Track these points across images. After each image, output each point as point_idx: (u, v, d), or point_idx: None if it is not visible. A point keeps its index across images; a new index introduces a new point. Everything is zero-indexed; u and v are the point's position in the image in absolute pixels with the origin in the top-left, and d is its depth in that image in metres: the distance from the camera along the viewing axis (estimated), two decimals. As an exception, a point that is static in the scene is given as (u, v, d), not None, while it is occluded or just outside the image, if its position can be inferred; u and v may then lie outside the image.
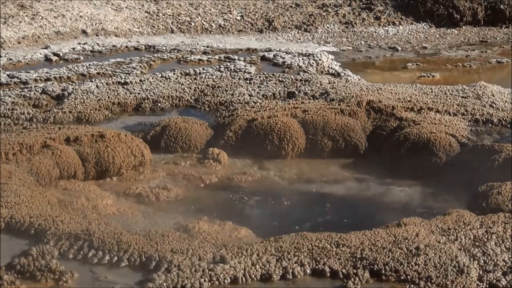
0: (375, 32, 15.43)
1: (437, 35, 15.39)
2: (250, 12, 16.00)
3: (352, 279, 5.09)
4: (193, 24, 15.31)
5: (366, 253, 5.29)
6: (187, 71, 11.05)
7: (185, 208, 6.96)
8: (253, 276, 5.10)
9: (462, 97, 9.71)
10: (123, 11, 15.51)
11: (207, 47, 13.50)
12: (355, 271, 5.15)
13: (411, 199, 7.37)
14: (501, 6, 15.95)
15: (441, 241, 5.51)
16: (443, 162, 7.92)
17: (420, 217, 6.14)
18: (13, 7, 14.75)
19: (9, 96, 9.69)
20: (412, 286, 5.05)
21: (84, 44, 13.57)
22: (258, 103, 9.38)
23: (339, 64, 12.22)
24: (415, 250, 5.35)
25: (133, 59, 12.05)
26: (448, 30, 15.65)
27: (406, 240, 5.48)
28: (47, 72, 11.13)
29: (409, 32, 15.46)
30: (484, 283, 5.10)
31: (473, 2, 15.98)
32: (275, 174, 7.94)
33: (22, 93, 9.84)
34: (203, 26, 15.29)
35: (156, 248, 5.35)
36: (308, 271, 5.18)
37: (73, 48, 13.19)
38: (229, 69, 11.34)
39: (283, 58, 12.34)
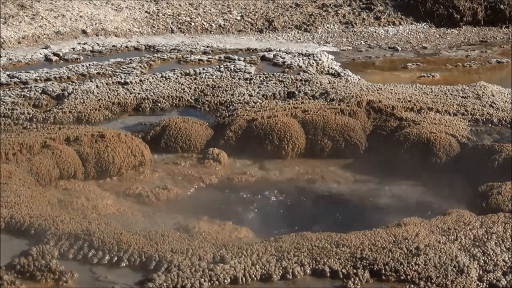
0: (375, 32, 15.43)
1: (437, 35, 15.39)
2: (250, 12, 16.00)
3: (352, 279, 5.09)
4: (193, 24, 15.31)
5: (366, 253, 5.29)
6: (187, 71, 11.05)
7: (185, 208, 6.95)
8: (253, 276, 5.10)
9: (462, 97, 9.71)
10: (123, 11, 15.51)
11: (207, 47, 13.50)
12: (355, 271, 5.16)
13: (411, 199, 7.36)
14: (501, 6, 15.95)
15: (441, 241, 5.51)
16: (443, 162, 7.92)
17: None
18: (13, 7, 14.76)
19: (9, 96, 9.69)
20: (412, 286, 5.05)
21: (84, 44, 13.57)
22: (258, 103, 9.38)
23: (339, 64, 12.22)
24: (415, 250, 5.35)
25: (133, 59, 12.05)
26: (448, 30, 15.65)
27: (406, 240, 5.48)
28: (47, 72, 11.13)
29: (409, 32, 15.46)
30: (484, 283, 5.10)
31: (473, 2, 15.98)
32: (275, 174, 7.94)
33: (22, 93, 9.84)
34: (203, 26, 15.29)
35: (156, 248, 5.35)
36: (308, 271, 5.19)
37: (73, 48, 13.19)
38: (229, 69, 11.35)
39: (283, 58, 12.34)
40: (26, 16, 14.55)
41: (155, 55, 12.58)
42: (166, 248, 5.34)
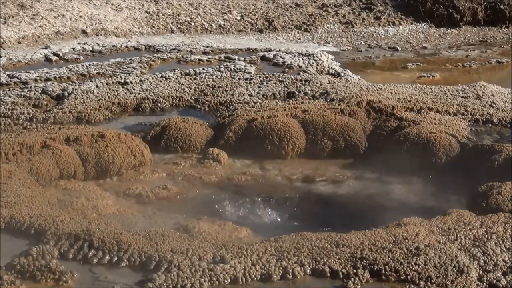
0: (375, 32, 15.43)
1: (437, 35, 15.39)
2: (250, 12, 16.00)
3: (352, 279, 5.09)
4: (193, 24, 15.31)
5: (366, 253, 5.29)
6: (187, 71, 11.04)
7: (185, 208, 6.95)
8: (253, 276, 5.10)
9: (462, 97, 9.71)
10: (123, 11, 15.51)
11: (207, 47, 13.50)
12: (355, 271, 5.15)
13: (411, 199, 7.37)
14: (501, 6, 15.95)
15: (441, 241, 5.51)
16: (443, 162, 7.92)
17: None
18: (13, 7, 14.76)
19: (9, 96, 9.69)
20: (412, 286, 5.05)
21: (84, 44, 13.57)
22: (258, 103, 9.38)
23: (339, 64, 12.22)
24: (415, 250, 5.35)
25: (133, 59, 12.05)
26: (448, 30, 15.65)
27: (406, 240, 5.48)
28: (47, 72, 11.13)
29: (409, 32, 15.46)
30: (484, 283, 5.10)
31: (473, 2, 15.98)
32: (275, 174, 7.95)
33: (22, 93, 9.84)
34: (203, 26, 15.29)
35: (156, 248, 5.35)
36: (308, 271, 5.18)
37: (73, 48, 13.19)
38: (229, 69, 11.34)
39: (283, 58, 12.34)
40: (26, 16, 14.55)
41: (155, 55, 12.58)
42: (166, 248, 5.34)
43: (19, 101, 9.50)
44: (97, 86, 10.17)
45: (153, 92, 9.95)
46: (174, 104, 9.69)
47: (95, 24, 14.68)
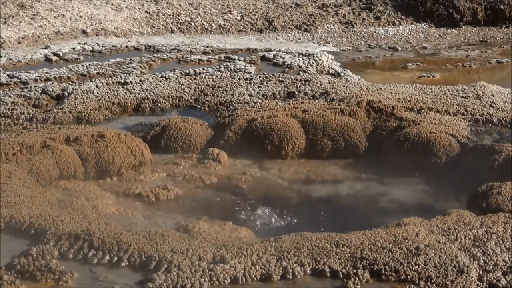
0: (375, 32, 15.43)
1: (437, 35, 15.39)
2: (250, 12, 16.00)
3: (352, 279, 5.09)
4: (193, 24, 15.31)
5: (366, 253, 5.29)
6: (187, 71, 11.04)
7: (185, 208, 6.96)
8: (253, 276, 5.10)
9: (462, 97, 9.71)
10: (123, 11, 15.51)
11: (207, 47, 13.50)
12: (355, 271, 5.15)
13: (411, 199, 7.37)
14: (501, 6, 15.95)
15: (441, 241, 5.51)
16: (443, 162, 7.92)
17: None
18: (13, 7, 14.76)
19: (9, 96, 9.69)
20: (412, 286, 5.05)
21: (84, 44, 13.57)
22: (258, 103, 9.38)
23: (339, 64, 12.22)
24: (415, 250, 5.35)
25: (133, 59, 12.05)
26: (448, 30, 15.65)
27: (406, 240, 5.48)
28: (47, 72, 11.13)
29: (409, 32, 15.46)
30: (484, 283, 5.10)
31: (473, 2, 15.98)
32: (275, 174, 7.95)
33: (22, 93, 9.84)
34: (203, 26, 15.29)
35: (156, 248, 5.35)
36: (308, 271, 5.18)
37: (73, 48, 13.19)
38: (229, 69, 11.34)
39: (283, 58, 12.34)
40: (26, 16, 14.56)
41: (155, 55, 12.58)
42: (166, 248, 5.34)
43: (19, 101, 9.49)
44: (97, 86, 10.16)
45: (153, 92, 9.95)
46: (174, 104, 9.69)
47: (95, 24, 14.68)
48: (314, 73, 11.24)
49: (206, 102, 9.64)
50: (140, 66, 11.55)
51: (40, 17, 14.61)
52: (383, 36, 15.20)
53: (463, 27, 15.81)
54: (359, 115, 8.72)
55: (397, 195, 7.46)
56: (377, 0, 16.48)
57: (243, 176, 7.75)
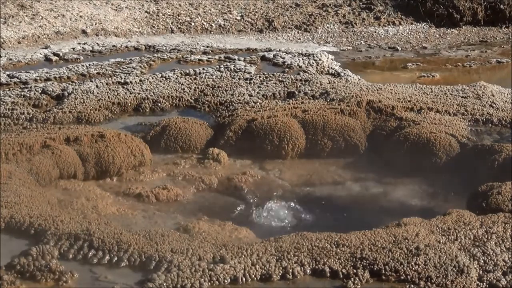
0: (375, 32, 15.43)
1: (437, 35, 15.39)
2: (250, 12, 16.00)
3: (352, 279, 5.09)
4: (193, 24, 15.31)
5: (366, 253, 5.29)
6: (187, 71, 11.04)
7: (185, 208, 6.96)
8: (253, 276, 5.10)
9: (462, 97, 9.71)
10: (123, 11, 15.51)
11: (207, 47, 13.50)
12: (355, 271, 5.15)
13: (411, 199, 7.37)
14: (501, 6, 15.95)
15: (441, 241, 5.51)
16: (443, 162, 7.92)
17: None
18: (13, 7, 14.76)
19: (9, 96, 9.69)
20: (412, 286, 5.05)
21: (84, 44, 13.57)
22: (258, 103, 9.38)
23: (339, 64, 12.22)
24: (415, 250, 5.35)
25: (133, 59, 12.05)
26: (448, 30, 15.65)
27: (406, 240, 5.48)
28: (47, 72, 11.13)
29: (409, 32, 15.46)
30: (484, 283, 5.10)
31: (473, 2, 15.98)
32: (275, 174, 7.94)
33: (22, 93, 9.84)
34: (203, 26, 15.29)
35: (156, 248, 5.35)
36: (308, 271, 5.18)
37: (73, 48, 13.19)
38: (229, 69, 11.34)
39: (283, 58, 12.34)
40: (26, 16, 14.55)
41: (155, 55, 12.57)
42: (166, 248, 5.34)
43: (19, 101, 9.49)
44: (97, 86, 10.16)
45: (153, 92, 9.95)
46: (174, 104, 9.68)
47: (95, 24, 14.68)
48: (314, 73, 11.24)
49: (206, 102, 9.64)
50: (140, 66, 11.55)
51: (40, 17, 14.61)
52: (383, 36, 15.20)
53: (463, 27, 15.81)
54: (359, 115, 8.72)
55: (397, 195, 7.46)
56: (377, 0, 16.48)
57: (243, 176, 7.74)
